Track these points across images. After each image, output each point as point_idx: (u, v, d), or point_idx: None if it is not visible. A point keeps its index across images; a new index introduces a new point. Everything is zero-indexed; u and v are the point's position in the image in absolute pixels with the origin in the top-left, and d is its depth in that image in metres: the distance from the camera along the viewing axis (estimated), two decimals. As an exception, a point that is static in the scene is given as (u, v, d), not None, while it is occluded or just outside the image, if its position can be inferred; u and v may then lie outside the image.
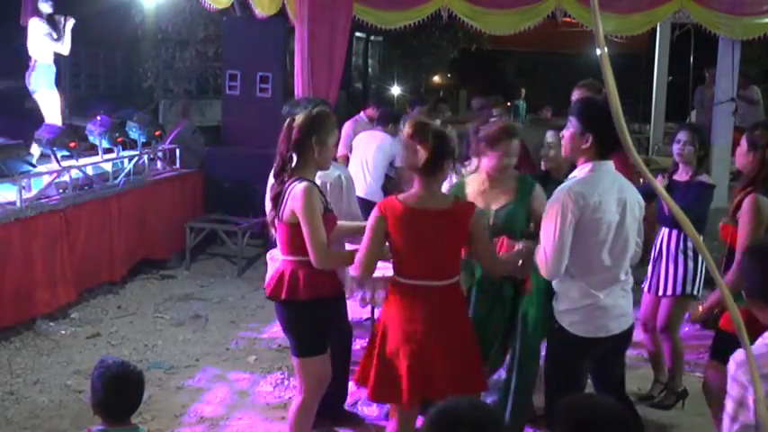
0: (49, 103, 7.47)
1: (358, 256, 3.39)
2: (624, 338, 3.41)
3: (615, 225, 3.21)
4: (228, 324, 6.17)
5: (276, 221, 3.55)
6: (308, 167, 3.53)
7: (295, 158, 3.51)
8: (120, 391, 2.71)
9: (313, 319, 3.53)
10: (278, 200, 3.51)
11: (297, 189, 3.41)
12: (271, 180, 4.13)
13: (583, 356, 3.36)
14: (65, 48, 7.48)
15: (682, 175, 4.59)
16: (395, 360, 3.35)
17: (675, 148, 4.62)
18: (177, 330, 5.98)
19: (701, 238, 3.62)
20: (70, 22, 7.45)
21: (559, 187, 3.27)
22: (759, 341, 2.29)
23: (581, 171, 3.27)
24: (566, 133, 3.31)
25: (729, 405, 2.26)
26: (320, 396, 3.67)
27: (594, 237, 3.20)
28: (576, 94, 5.31)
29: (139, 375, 2.81)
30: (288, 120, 3.57)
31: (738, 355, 2.27)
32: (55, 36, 7.36)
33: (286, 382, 5.00)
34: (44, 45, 7.36)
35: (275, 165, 3.58)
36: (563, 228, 3.15)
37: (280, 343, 5.74)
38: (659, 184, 3.13)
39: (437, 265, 3.29)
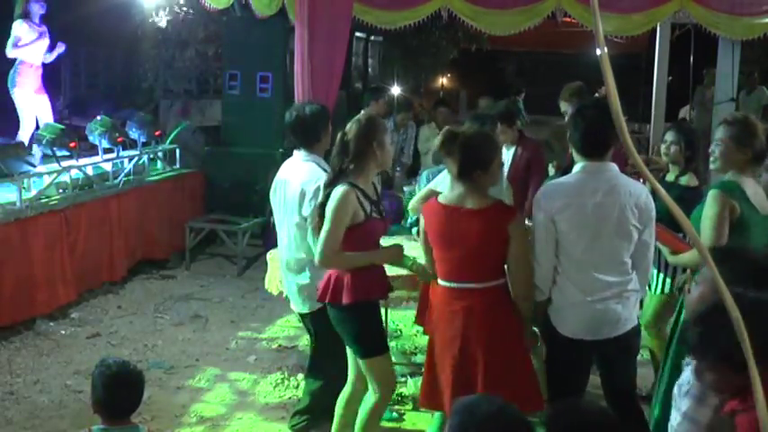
0: (24, 105, 7.35)
1: None
2: (624, 343, 3.30)
3: (593, 228, 3.17)
4: (228, 324, 6.17)
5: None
6: (367, 171, 3.54)
7: (353, 166, 3.50)
8: (120, 390, 2.73)
9: (378, 316, 3.61)
10: (323, 208, 3.51)
11: (336, 191, 3.41)
12: (280, 182, 4.16)
13: (572, 357, 3.31)
14: (12, 53, 7.22)
15: (670, 176, 4.61)
16: (439, 366, 3.33)
17: (662, 147, 4.67)
18: (177, 330, 5.97)
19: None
20: (59, 48, 7.43)
21: None
22: None
23: (573, 171, 3.33)
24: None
25: None
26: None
27: (569, 238, 3.20)
28: (563, 106, 5.27)
29: (139, 375, 2.84)
30: (339, 134, 3.57)
31: None
32: (23, 41, 7.17)
33: (286, 382, 5.00)
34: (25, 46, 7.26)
35: (329, 177, 3.58)
36: (536, 223, 3.26)
37: (280, 343, 5.74)
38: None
39: (474, 266, 3.23)
